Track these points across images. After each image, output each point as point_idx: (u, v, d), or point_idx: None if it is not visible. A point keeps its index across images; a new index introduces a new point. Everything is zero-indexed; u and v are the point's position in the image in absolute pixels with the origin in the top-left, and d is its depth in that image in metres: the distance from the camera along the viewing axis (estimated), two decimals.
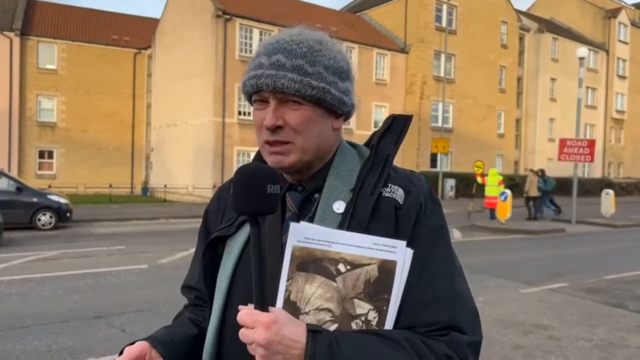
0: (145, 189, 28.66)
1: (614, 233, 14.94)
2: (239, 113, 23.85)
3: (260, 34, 24.56)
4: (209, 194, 22.95)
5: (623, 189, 35.14)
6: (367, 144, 1.04)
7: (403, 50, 29.83)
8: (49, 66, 28.55)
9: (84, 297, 6.41)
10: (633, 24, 44.88)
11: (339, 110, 0.97)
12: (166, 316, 5.48)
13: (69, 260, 8.87)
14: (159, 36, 28.91)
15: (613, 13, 42.96)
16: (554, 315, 6.01)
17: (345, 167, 0.98)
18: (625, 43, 43.67)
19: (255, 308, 0.79)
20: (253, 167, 0.84)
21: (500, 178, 16.77)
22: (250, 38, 24.37)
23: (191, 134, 24.84)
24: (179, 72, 25.90)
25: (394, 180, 0.95)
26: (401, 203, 0.93)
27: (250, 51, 24.22)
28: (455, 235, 13.15)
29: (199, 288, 1.08)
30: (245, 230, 0.98)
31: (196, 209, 18.03)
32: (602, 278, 8.16)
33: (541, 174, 18.28)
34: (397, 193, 0.93)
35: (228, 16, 23.33)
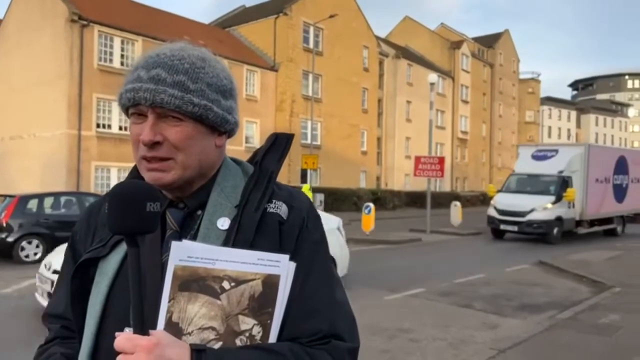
0: None
1: (461, 240, 16.68)
2: (98, 125, 22.16)
3: (122, 42, 23.24)
4: None
5: (468, 201, 39.29)
6: (250, 161, 1.05)
7: (273, 68, 30.37)
8: None
9: None
10: (473, 55, 51.10)
11: (222, 128, 0.97)
12: (10, 355, 4.84)
13: None
14: (1, 38, 25.80)
15: (457, 45, 48.54)
16: (414, 319, 6.50)
17: (229, 183, 0.98)
18: (467, 72, 49.53)
19: (134, 332, 0.75)
20: (130, 184, 0.81)
21: (311, 194, 18.74)
22: (111, 47, 22.90)
23: (40, 147, 22.42)
24: (25, 79, 23.30)
25: (278, 196, 0.98)
26: (285, 218, 0.95)
27: (111, 60, 22.76)
28: None
29: (67, 317, 0.98)
30: (120, 250, 0.93)
31: None
32: (453, 282, 9.05)
33: None
34: (281, 208, 0.96)
35: (85, 22, 21.67)
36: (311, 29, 31.31)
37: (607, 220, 18.53)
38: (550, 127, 68.17)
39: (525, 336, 5.66)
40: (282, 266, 0.86)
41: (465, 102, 49.33)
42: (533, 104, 63.48)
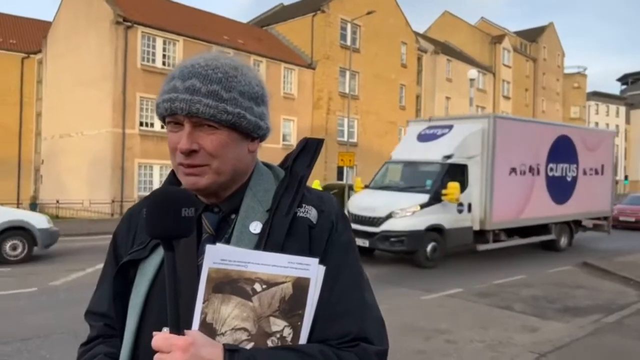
0: (34, 205, 26.33)
1: None
2: (141, 124, 22.82)
3: (164, 43, 23.82)
4: (106, 209, 21.62)
5: None
6: (281, 165, 1.08)
7: (310, 66, 30.47)
8: None
9: None
10: (515, 49, 49.73)
11: (255, 134, 0.99)
12: (58, 343, 5.08)
13: None
14: (51, 40, 26.95)
15: (498, 39, 47.33)
16: (451, 319, 6.41)
17: (262, 188, 1.01)
18: (509, 67, 48.24)
19: (170, 332, 0.79)
20: (167, 191, 0.85)
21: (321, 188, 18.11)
22: (154, 47, 23.52)
23: (87, 145, 23.33)
24: (73, 80, 24.27)
25: (308, 201, 1.00)
26: (314, 222, 0.98)
27: (154, 60, 23.38)
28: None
29: (110, 315, 1.03)
30: (159, 253, 0.97)
31: (93, 225, 16.88)
32: (492, 283, 8.86)
33: None
34: (310, 213, 0.98)
35: (129, 23, 22.35)
36: (348, 26, 31.21)
37: (540, 229, 12.88)
38: (597, 123, 65.61)
39: (568, 340, 5.50)
40: (311, 269, 0.88)
41: (507, 97, 48.08)
42: (579, 99, 61.23)
